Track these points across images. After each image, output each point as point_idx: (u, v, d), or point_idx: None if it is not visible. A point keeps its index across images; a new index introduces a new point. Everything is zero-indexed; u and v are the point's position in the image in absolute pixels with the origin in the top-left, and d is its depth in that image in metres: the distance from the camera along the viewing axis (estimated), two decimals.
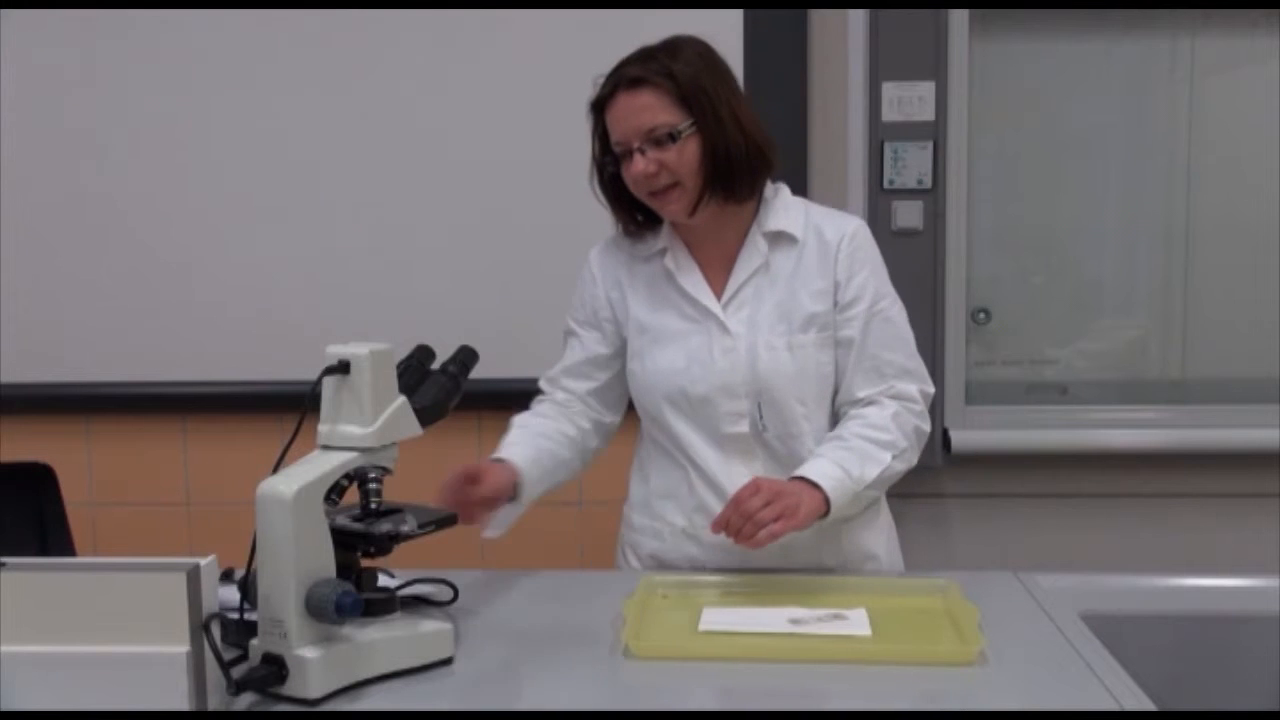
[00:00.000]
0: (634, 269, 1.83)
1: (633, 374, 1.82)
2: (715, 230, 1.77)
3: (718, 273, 1.79)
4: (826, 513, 1.64)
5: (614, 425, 1.91)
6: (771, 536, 1.57)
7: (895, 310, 1.79)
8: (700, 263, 1.79)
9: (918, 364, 1.80)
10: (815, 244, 1.77)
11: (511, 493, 1.71)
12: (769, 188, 1.79)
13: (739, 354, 1.74)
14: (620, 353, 1.85)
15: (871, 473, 1.68)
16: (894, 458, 1.71)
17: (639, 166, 1.67)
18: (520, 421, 1.84)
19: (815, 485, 1.64)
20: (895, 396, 1.76)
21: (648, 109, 1.65)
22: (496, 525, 1.74)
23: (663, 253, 1.80)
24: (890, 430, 1.72)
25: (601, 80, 1.71)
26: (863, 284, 1.76)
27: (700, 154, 1.67)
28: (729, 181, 1.69)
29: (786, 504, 1.59)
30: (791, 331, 1.75)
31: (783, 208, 1.79)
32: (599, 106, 1.71)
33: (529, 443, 1.77)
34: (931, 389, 1.80)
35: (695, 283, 1.78)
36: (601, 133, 1.73)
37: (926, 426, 1.78)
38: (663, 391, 1.78)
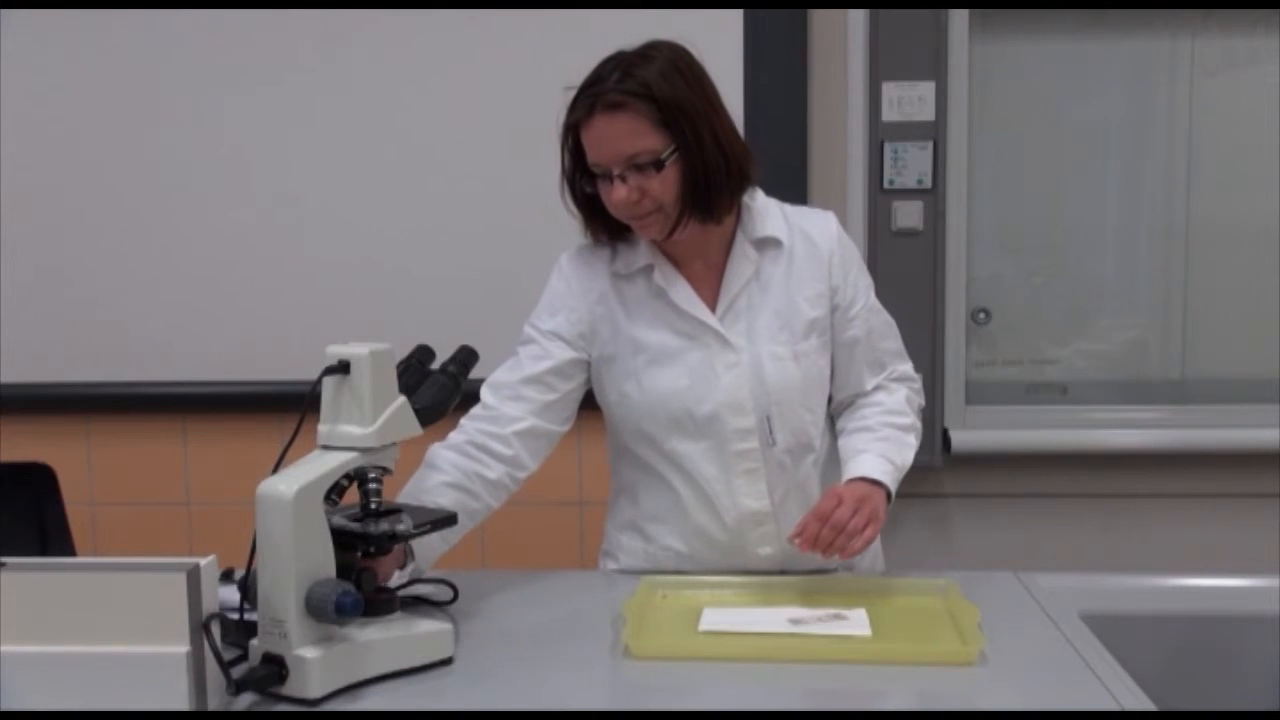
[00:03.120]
0: (618, 286, 1.75)
1: (626, 396, 1.73)
2: (700, 243, 1.71)
3: (707, 285, 1.73)
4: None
5: (560, 435, 1.78)
6: (865, 544, 1.59)
7: (875, 297, 1.81)
8: (687, 276, 1.73)
9: (901, 342, 1.85)
10: (803, 247, 1.75)
11: (401, 560, 1.60)
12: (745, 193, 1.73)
13: (743, 368, 1.70)
14: (583, 368, 1.77)
15: (908, 458, 1.73)
16: (915, 437, 1.78)
17: (621, 194, 1.60)
18: (433, 460, 1.68)
19: (876, 483, 1.66)
20: (899, 379, 1.82)
21: (629, 135, 1.58)
22: (399, 577, 1.62)
23: (648, 270, 1.73)
24: (908, 414, 1.79)
25: (573, 93, 1.62)
26: (856, 282, 1.77)
27: (680, 179, 1.61)
28: (708, 204, 1.64)
29: (871, 508, 1.60)
30: (795, 340, 1.72)
31: (764, 213, 1.74)
32: (574, 125, 1.62)
33: (430, 504, 1.62)
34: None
35: (688, 298, 1.71)
36: (572, 146, 1.64)
37: (923, 402, 1.87)
38: (666, 413, 1.71)
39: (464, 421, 1.73)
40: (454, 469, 1.66)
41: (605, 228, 1.72)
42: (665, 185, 1.60)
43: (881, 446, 1.71)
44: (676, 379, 1.71)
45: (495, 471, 1.69)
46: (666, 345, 1.72)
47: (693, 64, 1.64)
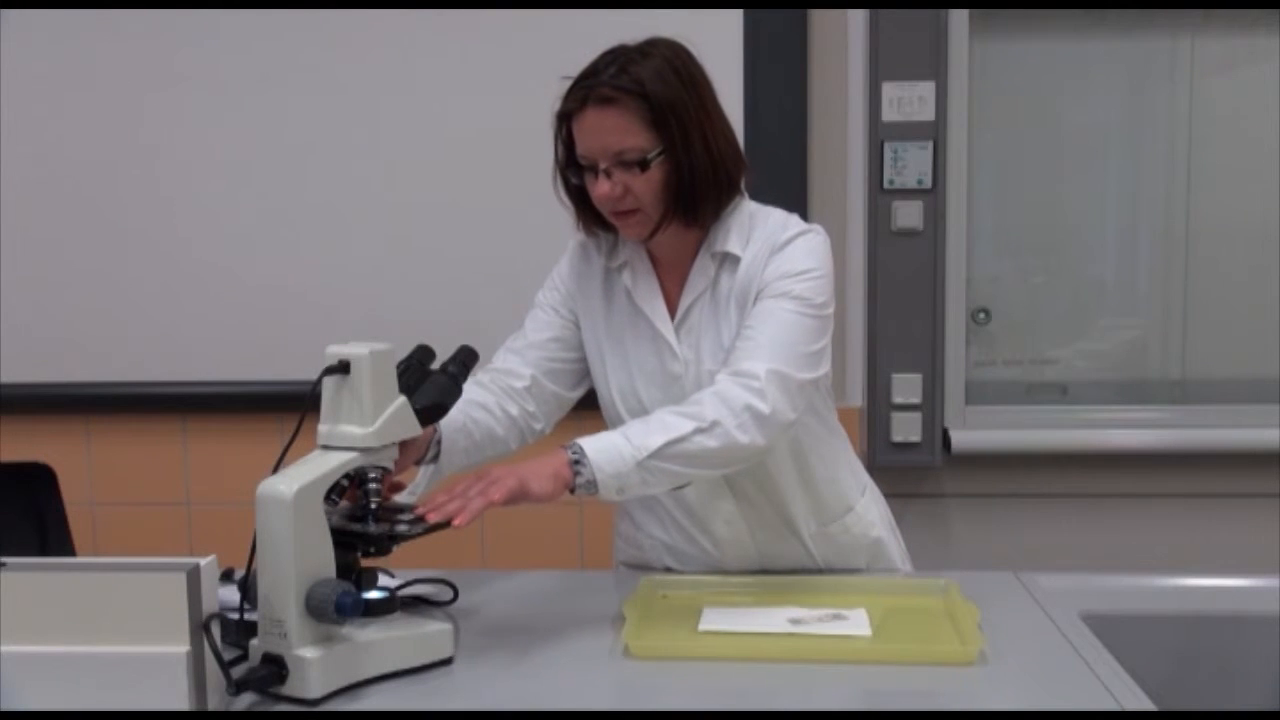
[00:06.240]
0: (605, 278, 1.76)
1: (598, 390, 1.78)
2: (678, 247, 1.69)
3: (676, 291, 1.71)
4: (576, 478, 1.49)
5: (571, 400, 1.81)
6: (470, 515, 1.41)
7: (795, 315, 1.60)
8: (666, 279, 1.72)
9: (787, 355, 1.58)
10: (755, 258, 1.66)
11: (425, 452, 1.62)
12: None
13: (687, 381, 1.68)
14: (579, 345, 1.79)
15: (655, 440, 1.50)
16: (697, 430, 1.52)
17: (604, 189, 1.59)
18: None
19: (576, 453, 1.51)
20: (734, 374, 1.57)
21: (617, 130, 1.56)
22: (412, 488, 1.63)
23: (624, 267, 1.73)
24: (702, 404, 1.55)
25: (569, 84, 1.61)
26: (767, 281, 1.63)
27: (665, 180, 1.59)
28: (691, 208, 1.61)
29: (491, 478, 1.45)
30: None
31: (733, 226, 1.67)
32: (567, 115, 1.61)
33: (460, 410, 1.64)
34: (802, 376, 1.59)
35: (652, 302, 1.71)
36: (566, 137, 1.63)
37: (765, 407, 1.54)
38: (625, 409, 1.72)
39: (477, 377, 1.74)
40: (484, 392, 1.71)
41: (595, 220, 1.71)
42: (648, 185, 1.59)
43: (634, 426, 1.55)
44: (630, 379, 1.73)
45: (514, 408, 1.74)
46: (626, 345, 1.73)
47: (690, 65, 1.62)
